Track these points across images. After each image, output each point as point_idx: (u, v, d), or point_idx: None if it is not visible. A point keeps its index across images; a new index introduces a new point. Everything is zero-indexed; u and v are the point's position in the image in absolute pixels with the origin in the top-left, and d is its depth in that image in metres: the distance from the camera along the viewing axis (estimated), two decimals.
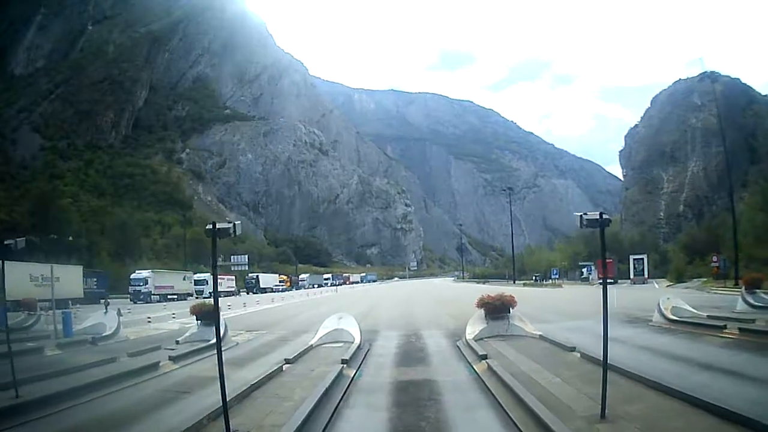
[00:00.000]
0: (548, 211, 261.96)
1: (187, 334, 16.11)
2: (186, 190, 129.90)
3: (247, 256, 74.21)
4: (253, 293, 65.87)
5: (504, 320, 13.84)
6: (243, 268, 73.79)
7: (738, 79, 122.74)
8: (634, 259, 52.58)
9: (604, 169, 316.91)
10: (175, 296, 51.07)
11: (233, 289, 62.85)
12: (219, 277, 57.24)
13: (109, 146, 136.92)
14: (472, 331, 13.42)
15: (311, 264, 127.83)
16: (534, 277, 72.82)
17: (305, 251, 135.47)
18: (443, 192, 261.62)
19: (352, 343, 12.94)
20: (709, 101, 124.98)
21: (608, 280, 47.58)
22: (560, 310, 21.60)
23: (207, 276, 58.07)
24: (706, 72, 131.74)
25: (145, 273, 49.29)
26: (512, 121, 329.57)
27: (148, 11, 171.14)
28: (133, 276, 49.15)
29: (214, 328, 14.40)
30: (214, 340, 12.82)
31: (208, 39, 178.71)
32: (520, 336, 13.37)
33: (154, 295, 48.03)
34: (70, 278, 40.87)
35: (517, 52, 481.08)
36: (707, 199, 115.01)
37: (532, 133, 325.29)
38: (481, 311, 13.98)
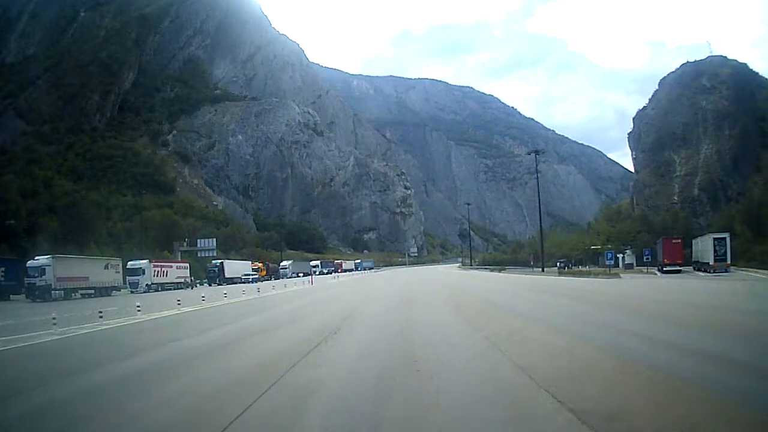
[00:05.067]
0: (550, 197, 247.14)
1: None
2: (169, 172, 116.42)
3: (215, 239, 59.67)
4: (216, 285, 50.79)
5: None
6: (210, 254, 59.21)
7: (745, 64, 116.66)
8: (715, 239, 36.67)
9: (605, 155, 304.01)
10: (91, 291, 36.36)
11: (182, 281, 47.33)
12: (166, 264, 42.55)
13: (93, 129, 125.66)
14: None
15: (304, 250, 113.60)
16: (558, 264, 58.72)
17: (298, 237, 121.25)
18: (444, 178, 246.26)
19: None
20: (719, 83, 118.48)
21: (675, 267, 33.15)
22: None
23: (144, 264, 43.42)
24: (713, 55, 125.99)
25: (42, 260, 34.43)
26: (513, 107, 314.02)
27: None
28: (29, 264, 34.42)
29: None
30: None
31: (200, 20, 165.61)
32: None
33: (56, 290, 33.36)
34: None
35: (518, 38, 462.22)
36: (722, 182, 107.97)
37: (532, 119, 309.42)
38: None
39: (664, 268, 38.66)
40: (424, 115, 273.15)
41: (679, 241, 40.55)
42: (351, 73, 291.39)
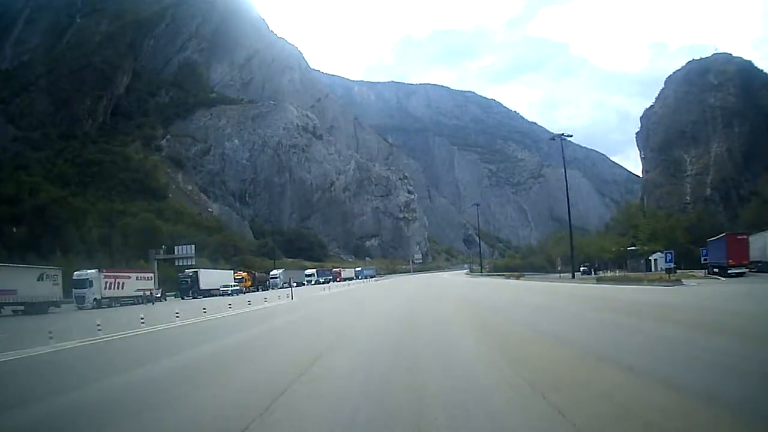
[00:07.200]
0: (554, 201, 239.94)
1: None
2: (161, 178, 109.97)
3: (193, 246, 52.16)
4: (191, 297, 43.08)
5: None
6: (189, 262, 51.83)
7: (750, 61, 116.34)
8: None
9: (609, 158, 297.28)
10: (21, 307, 29.12)
11: (143, 294, 39.21)
12: (122, 274, 34.46)
13: (84, 134, 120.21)
14: None
15: (303, 258, 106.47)
16: (581, 268, 51.59)
17: (297, 244, 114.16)
18: (447, 183, 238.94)
19: None
20: (726, 80, 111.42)
21: (740, 269, 25.48)
22: None
23: (92, 274, 35.95)
24: (719, 52, 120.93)
25: None
26: (515, 111, 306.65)
27: (138, 1, 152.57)
28: None
29: None
30: None
31: (197, 24, 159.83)
32: None
33: None
34: None
35: (519, 43, 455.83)
36: (733, 180, 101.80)
37: (535, 123, 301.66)
38: None
39: (729, 271, 31.06)
40: (426, 121, 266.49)
41: (745, 237, 32.96)
42: (352, 79, 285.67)
